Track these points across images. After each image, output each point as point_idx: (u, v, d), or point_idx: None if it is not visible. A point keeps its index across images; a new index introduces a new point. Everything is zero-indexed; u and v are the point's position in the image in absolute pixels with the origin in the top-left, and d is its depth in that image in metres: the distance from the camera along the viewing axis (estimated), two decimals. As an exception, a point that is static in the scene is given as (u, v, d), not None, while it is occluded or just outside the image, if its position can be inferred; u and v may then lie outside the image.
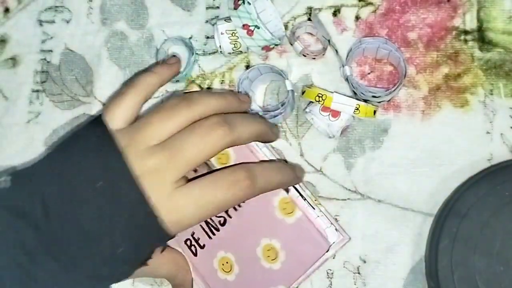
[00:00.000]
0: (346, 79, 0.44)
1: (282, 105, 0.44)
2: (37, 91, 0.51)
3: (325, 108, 0.43)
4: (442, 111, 0.45)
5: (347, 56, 0.45)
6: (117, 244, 0.33)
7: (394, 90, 0.43)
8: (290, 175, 0.40)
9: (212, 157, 0.36)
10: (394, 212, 0.44)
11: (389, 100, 0.45)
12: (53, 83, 0.51)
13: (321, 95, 0.42)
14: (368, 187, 0.44)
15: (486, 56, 0.45)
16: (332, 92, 0.42)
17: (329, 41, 0.45)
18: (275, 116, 0.44)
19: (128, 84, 0.39)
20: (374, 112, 0.43)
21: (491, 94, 0.44)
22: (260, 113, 0.44)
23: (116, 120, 0.37)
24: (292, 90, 0.45)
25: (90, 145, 0.35)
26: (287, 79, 0.45)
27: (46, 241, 0.32)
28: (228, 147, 0.37)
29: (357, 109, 0.42)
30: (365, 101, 0.44)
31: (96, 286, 0.34)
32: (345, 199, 0.45)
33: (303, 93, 0.44)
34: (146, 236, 0.34)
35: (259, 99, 0.47)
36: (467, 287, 0.39)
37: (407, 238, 0.43)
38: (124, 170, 0.33)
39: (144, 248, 0.35)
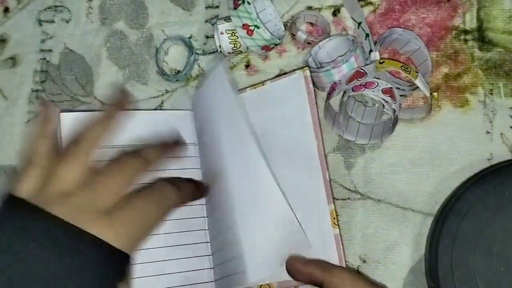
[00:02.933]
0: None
1: (350, 51, 0.44)
2: (37, 90, 0.51)
3: (386, 91, 0.41)
4: (442, 111, 0.45)
5: (375, 43, 0.45)
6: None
7: (418, 87, 0.42)
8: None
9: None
10: (394, 212, 0.44)
11: (406, 96, 0.45)
12: (53, 82, 0.51)
13: (406, 67, 0.41)
14: (368, 187, 0.44)
15: (486, 55, 0.45)
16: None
17: (359, 24, 0.44)
18: (347, 61, 0.43)
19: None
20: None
21: (491, 94, 0.44)
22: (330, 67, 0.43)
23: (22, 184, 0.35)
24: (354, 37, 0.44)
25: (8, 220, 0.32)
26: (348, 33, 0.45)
27: None
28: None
29: (431, 93, 0.42)
30: None
31: None
32: (345, 199, 0.45)
33: (380, 63, 0.43)
34: (108, 265, 0.32)
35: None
36: (467, 287, 0.38)
37: (407, 238, 0.43)
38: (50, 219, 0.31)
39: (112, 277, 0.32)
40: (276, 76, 0.45)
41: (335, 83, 0.43)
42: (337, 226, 0.40)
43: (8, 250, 0.30)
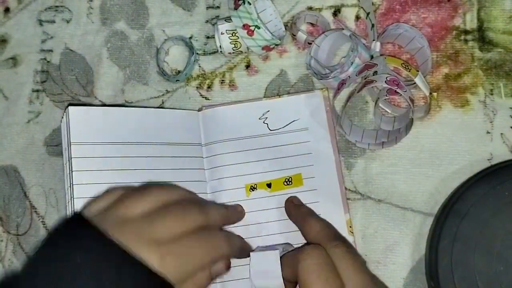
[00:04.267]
0: (371, 56, 0.44)
1: (352, 51, 0.44)
2: (37, 91, 0.51)
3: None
4: (442, 111, 0.45)
5: (380, 34, 0.45)
6: None
7: (414, 84, 0.43)
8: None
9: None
10: (394, 212, 0.44)
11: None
12: (53, 82, 0.51)
13: (406, 64, 0.41)
14: (368, 187, 0.44)
15: (486, 56, 0.45)
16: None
17: (368, 14, 0.45)
18: (352, 63, 0.43)
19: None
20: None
21: (491, 94, 0.44)
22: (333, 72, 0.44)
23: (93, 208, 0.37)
24: (352, 34, 0.44)
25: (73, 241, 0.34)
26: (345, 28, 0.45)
27: None
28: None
29: (431, 93, 0.43)
30: None
31: None
32: (345, 199, 0.45)
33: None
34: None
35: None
36: (467, 287, 0.39)
37: (407, 238, 0.43)
38: (100, 238, 0.33)
39: None
40: (293, 92, 0.46)
41: (343, 80, 0.43)
42: (352, 234, 0.43)
43: (63, 264, 0.32)
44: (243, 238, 0.43)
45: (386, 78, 0.41)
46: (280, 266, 0.37)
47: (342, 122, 0.44)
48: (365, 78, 0.42)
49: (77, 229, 0.34)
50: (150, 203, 0.36)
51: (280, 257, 0.37)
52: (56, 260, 0.32)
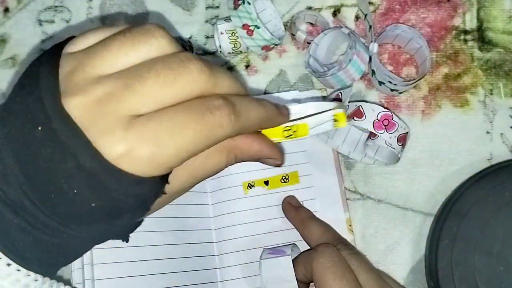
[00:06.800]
0: (370, 57, 0.44)
1: (350, 48, 0.44)
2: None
3: (402, 137, 0.40)
4: (442, 111, 0.45)
5: (378, 35, 0.45)
6: (85, 199, 0.25)
7: (412, 84, 0.43)
8: (273, 110, 0.30)
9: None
10: (394, 212, 0.44)
11: (401, 92, 0.45)
12: (53, 83, 0.51)
13: (289, 129, 0.32)
14: (368, 187, 0.44)
15: (486, 56, 0.45)
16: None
17: (366, 15, 0.45)
18: (350, 60, 0.43)
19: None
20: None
21: (491, 94, 0.44)
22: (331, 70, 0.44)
23: (78, 43, 0.28)
24: (351, 32, 0.44)
25: (32, 77, 0.27)
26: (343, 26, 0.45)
27: (27, 202, 0.26)
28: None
29: (336, 120, 0.32)
30: (381, 83, 0.43)
31: (96, 237, 0.28)
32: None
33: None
34: (110, 187, 0.25)
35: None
36: (467, 287, 0.38)
37: (407, 238, 0.43)
38: (56, 107, 0.25)
39: (125, 200, 0.26)
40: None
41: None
42: (352, 232, 0.43)
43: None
44: (268, 102, 0.30)
45: (377, 116, 0.39)
46: (293, 270, 0.37)
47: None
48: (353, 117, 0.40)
49: (41, 83, 0.26)
50: (138, 55, 0.26)
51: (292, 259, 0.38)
52: (21, 121, 0.25)
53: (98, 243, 0.30)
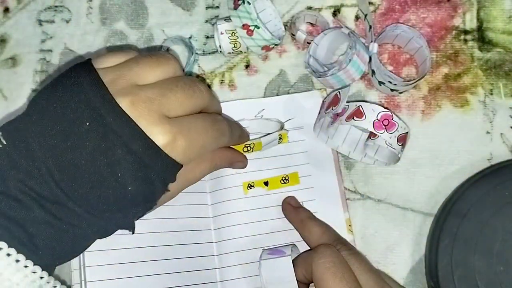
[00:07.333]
0: (369, 58, 0.44)
1: (350, 48, 0.44)
2: (37, 90, 0.51)
3: (402, 137, 0.40)
4: (442, 111, 0.45)
5: (378, 35, 0.45)
6: (123, 183, 0.31)
7: (411, 84, 0.43)
8: (245, 130, 0.43)
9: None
10: (394, 212, 0.44)
11: (401, 92, 0.45)
12: (53, 83, 0.51)
13: (248, 144, 0.42)
14: (368, 187, 0.44)
15: (486, 56, 0.45)
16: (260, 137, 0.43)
17: (366, 15, 0.45)
18: (350, 60, 0.43)
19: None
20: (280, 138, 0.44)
21: (491, 94, 0.44)
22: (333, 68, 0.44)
23: (103, 62, 0.34)
24: (351, 31, 0.44)
25: (73, 85, 0.32)
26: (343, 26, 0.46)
27: (57, 191, 0.31)
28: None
29: (280, 138, 0.44)
30: (381, 83, 0.43)
31: (110, 226, 0.33)
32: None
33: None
34: (151, 169, 0.32)
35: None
36: (467, 287, 0.39)
37: (407, 238, 0.43)
38: (110, 104, 0.31)
39: (155, 183, 0.33)
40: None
41: (337, 114, 0.41)
42: (351, 232, 0.43)
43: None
44: (241, 125, 0.43)
45: (377, 116, 0.39)
46: (293, 270, 0.37)
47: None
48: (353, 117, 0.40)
49: (86, 88, 0.31)
50: (162, 73, 0.34)
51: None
52: (62, 120, 0.31)
53: (107, 235, 0.34)
